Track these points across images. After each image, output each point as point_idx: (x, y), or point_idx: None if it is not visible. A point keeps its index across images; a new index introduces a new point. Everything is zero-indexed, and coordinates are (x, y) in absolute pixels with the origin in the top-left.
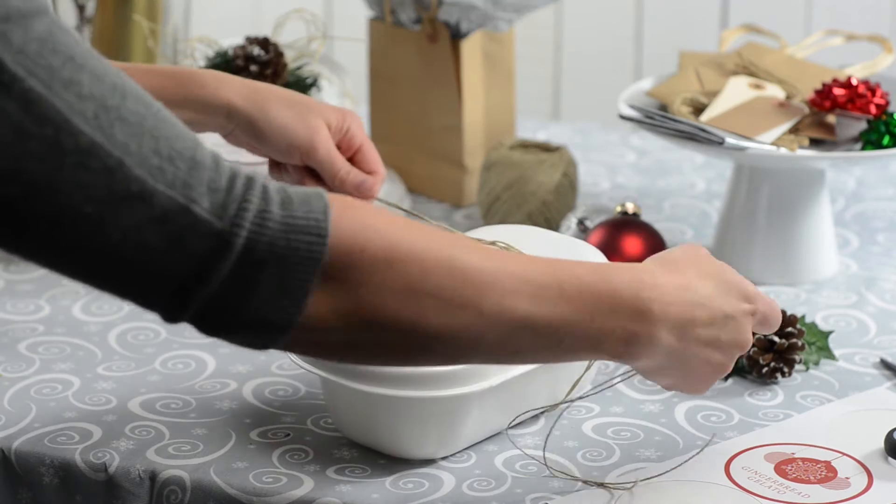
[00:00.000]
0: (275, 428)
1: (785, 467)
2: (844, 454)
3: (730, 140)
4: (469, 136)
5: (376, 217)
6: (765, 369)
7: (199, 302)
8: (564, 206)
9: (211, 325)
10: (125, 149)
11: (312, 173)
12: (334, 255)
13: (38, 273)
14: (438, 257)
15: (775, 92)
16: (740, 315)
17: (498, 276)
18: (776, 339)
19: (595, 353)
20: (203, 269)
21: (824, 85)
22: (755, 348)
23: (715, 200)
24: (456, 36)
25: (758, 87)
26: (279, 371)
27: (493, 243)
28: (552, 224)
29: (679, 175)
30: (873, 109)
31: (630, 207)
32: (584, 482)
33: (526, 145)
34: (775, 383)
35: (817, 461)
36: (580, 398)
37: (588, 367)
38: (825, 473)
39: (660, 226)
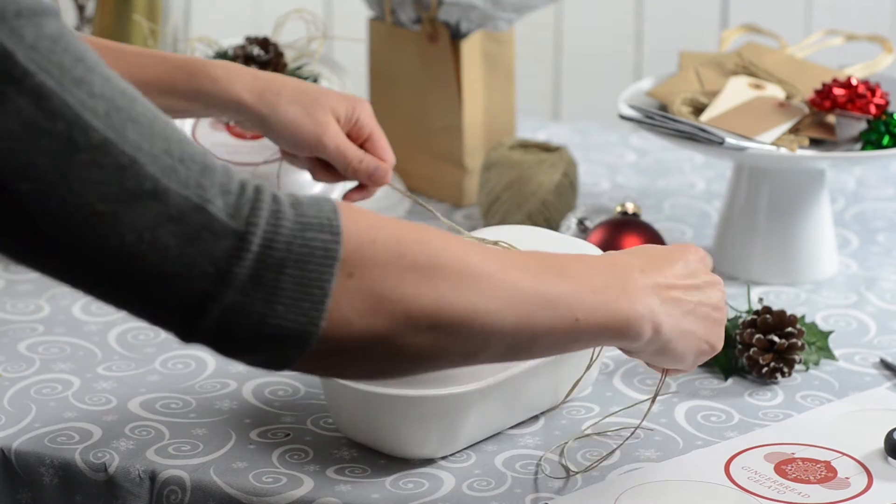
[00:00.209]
0: (275, 428)
1: (785, 467)
2: (844, 454)
3: (730, 140)
4: (469, 136)
5: (380, 216)
6: (765, 369)
7: (218, 311)
8: (564, 206)
9: (231, 339)
10: (137, 147)
11: (324, 162)
12: (348, 250)
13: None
14: (443, 243)
15: (775, 92)
16: (706, 272)
17: (500, 260)
18: (776, 339)
19: (609, 331)
20: (221, 271)
21: (824, 85)
22: (755, 348)
23: (715, 200)
24: (456, 36)
25: (758, 87)
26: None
27: (495, 243)
28: (552, 224)
29: (679, 175)
30: (873, 109)
31: (630, 207)
32: (578, 472)
33: (526, 145)
34: (775, 383)
35: (817, 461)
36: (618, 412)
37: (588, 367)
38: (825, 473)
39: (660, 226)
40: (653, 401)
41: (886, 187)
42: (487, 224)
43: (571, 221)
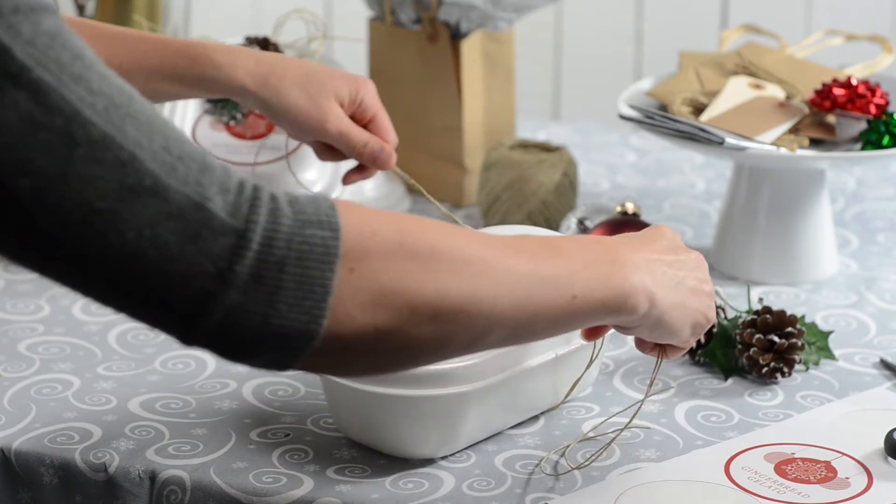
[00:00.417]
0: (275, 428)
1: (785, 467)
2: (844, 454)
3: (730, 140)
4: (469, 136)
5: (377, 210)
6: (765, 369)
7: (220, 312)
8: (564, 206)
9: (233, 340)
10: (137, 143)
11: (330, 145)
12: (349, 245)
13: None
14: (441, 233)
15: (775, 92)
16: (685, 248)
17: (496, 245)
18: (776, 339)
19: (606, 306)
20: (222, 269)
21: (824, 85)
22: (755, 348)
23: (715, 200)
24: (456, 36)
25: (758, 87)
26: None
27: None
28: (552, 224)
29: (679, 175)
30: (873, 109)
31: (630, 207)
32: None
33: (526, 145)
34: (775, 383)
35: (817, 461)
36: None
37: (588, 366)
38: (825, 473)
39: None
40: (650, 384)
41: (886, 187)
42: (487, 224)
43: (571, 221)
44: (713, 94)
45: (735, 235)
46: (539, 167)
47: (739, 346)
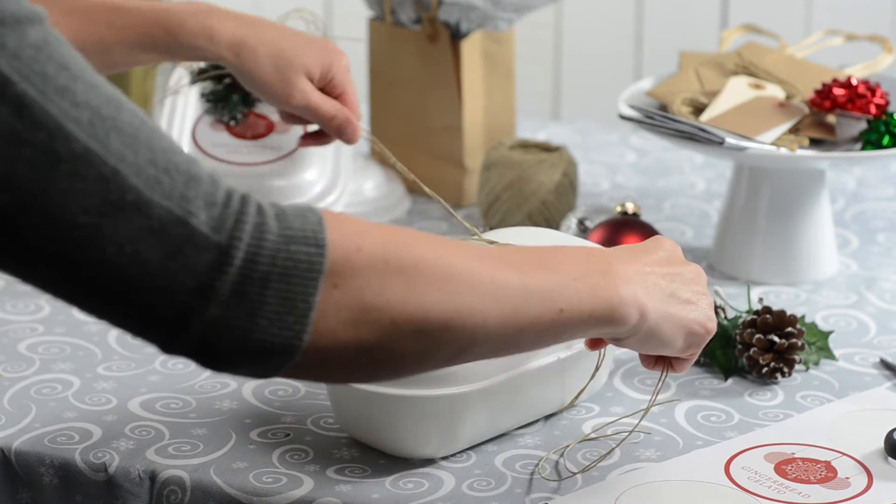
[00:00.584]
0: (275, 428)
1: (785, 467)
2: (844, 454)
3: (730, 140)
4: (469, 136)
5: (365, 223)
6: (765, 369)
7: (200, 325)
8: (564, 206)
9: (214, 352)
10: (121, 157)
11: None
12: (333, 261)
13: None
14: (428, 247)
15: (775, 92)
16: (682, 260)
17: (483, 258)
18: (776, 339)
19: (594, 318)
20: (204, 284)
21: (824, 85)
22: (755, 348)
23: (715, 200)
24: (456, 36)
25: (758, 87)
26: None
27: (492, 243)
28: (552, 224)
29: (679, 175)
30: (873, 109)
31: (630, 207)
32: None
33: (526, 145)
34: (775, 383)
35: (817, 461)
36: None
37: (594, 374)
38: (825, 473)
39: (660, 226)
40: (653, 398)
41: (886, 187)
42: (487, 224)
43: (571, 221)
44: (713, 94)
45: (735, 235)
46: (539, 167)
47: (739, 346)
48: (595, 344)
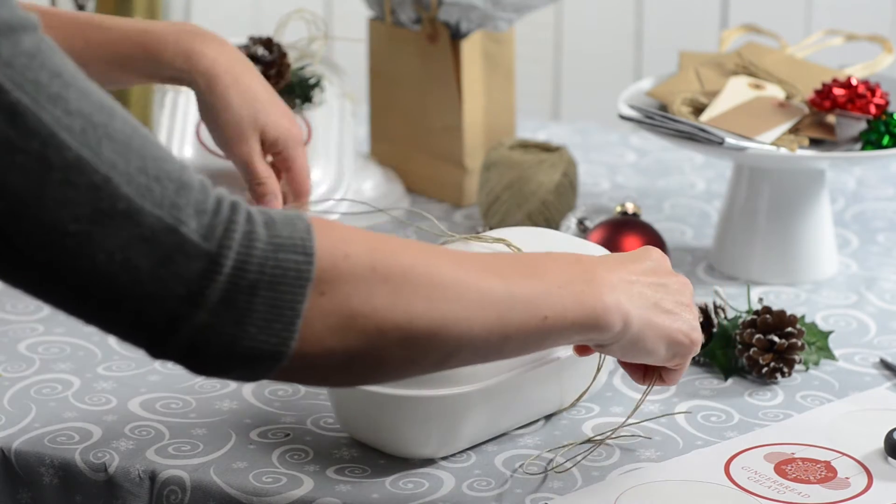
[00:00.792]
0: (275, 428)
1: (785, 467)
2: (844, 454)
3: (730, 140)
4: (469, 136)
5: (353, 229)
6: (765, 369)
7: (189, 331)
8: (564, 206)
9: (202, 358)
10: (112, 166)
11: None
12: (321, 269)
13: None
14: (415, 255)
15: (775, 92)
16: (669, 271)
17: (469, 266)
18: (776, 339)
19: (578, 326)
20: (193, 292)
21: (824, 85)
22: (755, 348)
23: (715, 200)
24: (456, 36)
25: (758, 87)
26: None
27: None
28: (552, 224)
29: (679, 175)
30: (873, 109)
31: (630, 207)
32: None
33: (526, 145)
34: (775, 383)
35: (817, 461)
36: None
37: (596, 376)
38: (825, 473)
39: (660, 226)
40: (642, 400)
41: (886, 187)
42: (487, 224)
43: (571, 221)
44: (713, 94)
45: (735, 235)
46: (539, 167)
47: (739, 346)
48: (583, 350)
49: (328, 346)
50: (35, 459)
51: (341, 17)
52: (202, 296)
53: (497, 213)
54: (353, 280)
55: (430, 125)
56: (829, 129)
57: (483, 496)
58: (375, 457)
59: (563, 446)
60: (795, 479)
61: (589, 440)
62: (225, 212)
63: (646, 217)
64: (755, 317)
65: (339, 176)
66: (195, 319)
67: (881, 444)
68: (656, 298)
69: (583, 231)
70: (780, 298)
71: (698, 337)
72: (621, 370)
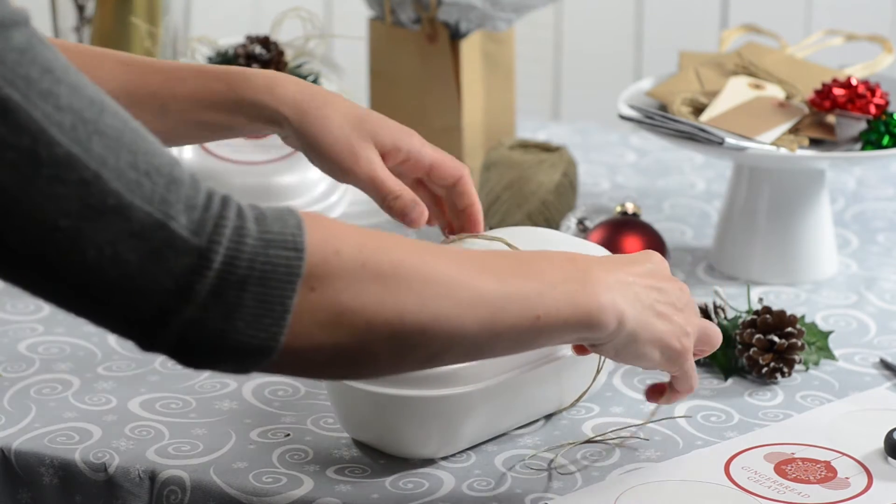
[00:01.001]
0: (275, 428)
1: (785, 467)
2: (844, 454)
3: (730, 140)
4: (469, 136)
5: (345, 225)
6: (765, 369)
7: (178, 325)
8: (564, 206)
9: (192, 351)
10: (102, 161)
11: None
12: (311, 264)
13: None
14: (406, 252)
15: (775, 92)
16: (667, 275)
17: (462, 263)
18: (776, 339)
19: (571, 325)
20: (182, 287)
21: (824, 85)
22: (755, 348)
23: (715, 200)
24: (455, 36)
25: (758, 87)
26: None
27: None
28: (552, 224)
29: (679, 175)
30: (873, 109)
31: (630, 207)
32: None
33: (526, 145)
34: (775, 383)
35: (817, 461)
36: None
37: (596, 376)
38: (825, 473)
39: (660, 226)
40: (653, 413)
41: (886, 187)
42: (487, 224)
43: (571, 221)
44: (713, 94)
45: (735, 235)
46: (539, 167)
47: (739, 346)
48: (582, 350)
49: (317, 342)
50: (35, 459)
51: (341, 16)
52: (191, 290)
53: (497, 213)
54: (344, 276)
55: (429, 125)
56: (829, 129)
57: (483, 496)
58: (375, 457)
59: (563, 446)
60: (795, 479)
61: (589, 440)
62: (215, 207)
63: (646, 217)
64: (755, 317)
65: None
66: (185, 313)
67: (881, 444)
68: (652, 301)
69: (583, 231)
70: (780, 298)
71: (688, 343)
72: (622, 370)
